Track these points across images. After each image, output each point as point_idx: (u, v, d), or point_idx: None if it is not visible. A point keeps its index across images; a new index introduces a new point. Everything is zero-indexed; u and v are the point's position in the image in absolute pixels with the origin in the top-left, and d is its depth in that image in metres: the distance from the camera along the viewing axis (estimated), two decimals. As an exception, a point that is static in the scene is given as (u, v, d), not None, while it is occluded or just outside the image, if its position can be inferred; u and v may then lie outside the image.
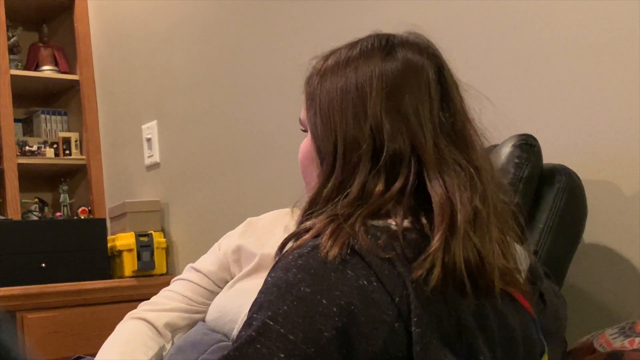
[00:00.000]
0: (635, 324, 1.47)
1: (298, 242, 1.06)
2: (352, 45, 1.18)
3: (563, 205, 1.65)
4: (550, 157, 1.71)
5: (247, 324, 1.02)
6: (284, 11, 2.70)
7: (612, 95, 1.77)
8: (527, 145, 1.65)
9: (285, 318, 0.98)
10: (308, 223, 1.09)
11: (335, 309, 0.98)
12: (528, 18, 1.93)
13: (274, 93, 2.72)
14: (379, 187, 1.07)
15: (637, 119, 1.72)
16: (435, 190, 1.06)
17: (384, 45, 1.15)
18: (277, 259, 1.09)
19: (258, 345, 0.98)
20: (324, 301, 0.98)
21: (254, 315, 1.02)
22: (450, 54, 2.13)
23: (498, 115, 1.96)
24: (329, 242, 1.02)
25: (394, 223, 1.06)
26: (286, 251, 1.08)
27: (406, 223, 1.06)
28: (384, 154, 1.08)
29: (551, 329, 1.32)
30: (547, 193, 1.66)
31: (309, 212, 1.12)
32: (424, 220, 1.07)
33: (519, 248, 1.21)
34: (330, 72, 1.15)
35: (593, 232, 1.78)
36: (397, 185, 1.07)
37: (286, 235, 1.12)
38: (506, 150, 1.65)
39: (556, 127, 1.86)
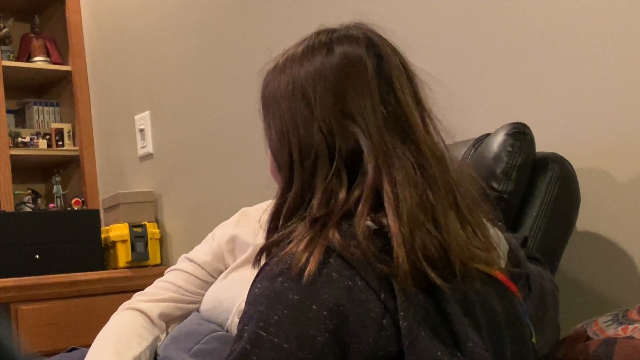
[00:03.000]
0: (628, 312, 1.48)
1: (282, 254, 1.06)
2: (296, 45, 1.19)
3: (556, 193, 1.66)
4: (543, 145, 1.71)
5: (239, 337, 1.02)
6: (278, 1, 2.69)
7: (606, 84, 1.77)
8: (520, 134, 1.65)
9: (277, 327, 0.99)
10: (286, 231, 1.10)
11: (325, 313, 0.99)
12: (521, 7, 1.93)
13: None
14: (342, 189, 1.08)
15: (630, 107, 1.72)
16: (386, 192, 1.07)
17: (323, 43, 1.16)
18: (256, 267, 1.09)
19: (253, 357, 0.99)
20: (314, 306, 0.99)
21: (245, 327, 1.02)
22: (443, 43, 2.13)
23: (491, 104, 1.97)
24: (310, 248, 1.03)
25: (373, 223, 1.06)
26: (268, 260, 1.08)
27: (373, 224, 1.06)
28: (337, 155, 1.09)
29: (539, 313, 1.33)
30: (540, 181, 1.67)
31: (274, 224, 1.14)
32: (384, 220, 1.07)
33: (495, 232, 1.22)
34: (278, 78, 1.17)
35: (586, 220, 1.78)
36: (357, 190, 1.08)
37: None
38: (499, 139, 1.65)
39: (549, 115, 1.86)
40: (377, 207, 1.08)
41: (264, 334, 0.99)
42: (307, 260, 1.02)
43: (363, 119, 1.10)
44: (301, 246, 1.04)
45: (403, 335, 0.99)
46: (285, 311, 1.00)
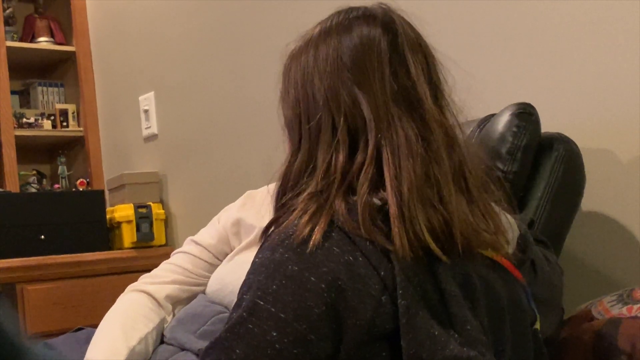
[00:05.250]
0: (633, 291, 1.48)
1: (284, 223, 1.08)
2: (316, 25, 1.21)
3: (561, 173, 1.65)
4: (548, 125, 1.71)
5: (237, 305, 1.04)
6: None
7: (611, 64, 1.76)
8: (526, 114, 1.64)
9: (275, 297, 1.00)
10: (290, 203, 1.11)
11: (323, 285, 1.00)
12: (526, -14, 1.92)
13: (273, 63, 2.70)
14: (341, 159, 1.10)
15: (635, 86, 1.71)
16: (387, 162, 1.08)
17: (341, 22, 1.18)
18: (262, 240, 1.11)
19: (250, 325, 1.00)
20: (312, 278, 1.00)
21: (244, 296, 1.04)
22: (449, 21, 2.12)
23: (496, 84, 1.96)
24: (313, 220, 1.04)
25: (376, 199, 1.07)
26: (272, 232, 1.10)
27: (376, 200, 1.07)
28: (341, 126, 1.11)
29: (545, 297, 1.33)
30: (545, 162, 1.66)
31: (282, 190, 1.16)
32: (383, 194, 1.08)
33: (505, 218, 1.22)
34: (297, 54, 1.20)
35: (591, 200, 1.78)
36: (359, 158, 1.10)
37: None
38: (504, 119, 1.65)
39: (555, 95, 1.86)
40: (381, 179, 1.08)
41: (262, 302, 1.01)
42: (311, 231, 1.03)
43: (371, 89, 1.12)
44: (305, 217, 1.05)
45: (400, 314, 1.00)
46: (283, 281, 1.01)
